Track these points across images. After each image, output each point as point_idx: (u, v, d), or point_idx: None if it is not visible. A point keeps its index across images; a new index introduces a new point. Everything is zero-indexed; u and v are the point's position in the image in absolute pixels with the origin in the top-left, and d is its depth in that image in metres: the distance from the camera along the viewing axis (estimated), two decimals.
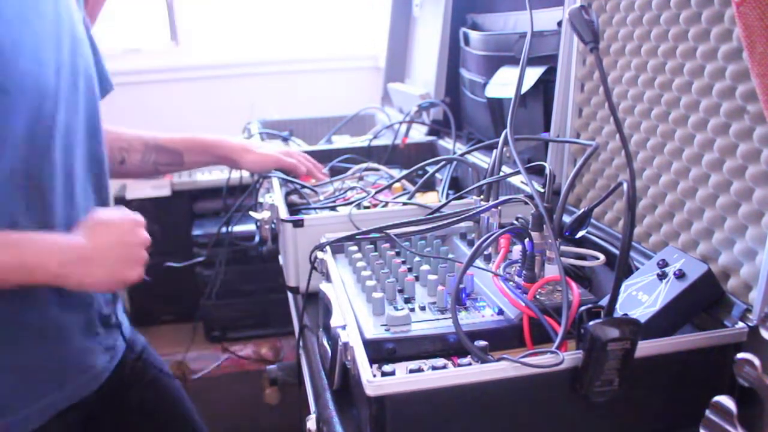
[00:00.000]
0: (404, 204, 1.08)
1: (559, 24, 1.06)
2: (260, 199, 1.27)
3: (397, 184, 1.23)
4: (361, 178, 1.33)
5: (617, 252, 0.85)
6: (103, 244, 0.86)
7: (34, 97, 0.83)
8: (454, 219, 0.87)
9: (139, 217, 0.92)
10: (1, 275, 0.79)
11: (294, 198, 1.22)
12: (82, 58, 0.94)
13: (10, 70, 0.79)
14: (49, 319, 0.90)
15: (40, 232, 0.85)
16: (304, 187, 1.23)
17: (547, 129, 1.10)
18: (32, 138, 0.83)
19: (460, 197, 1.04)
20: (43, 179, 0.86)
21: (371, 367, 0.62)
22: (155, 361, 1.18)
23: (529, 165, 0.87)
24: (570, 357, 0.62)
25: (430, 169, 1.22)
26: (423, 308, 0.77)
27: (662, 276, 0.73)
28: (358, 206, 1.09)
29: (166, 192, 2.02)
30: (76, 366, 0.95)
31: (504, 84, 1.25)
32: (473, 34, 1.46)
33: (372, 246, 0.93)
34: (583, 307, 0.65)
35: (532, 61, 1.13)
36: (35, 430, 0.90)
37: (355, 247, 0.94)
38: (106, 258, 0.86)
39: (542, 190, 0.80)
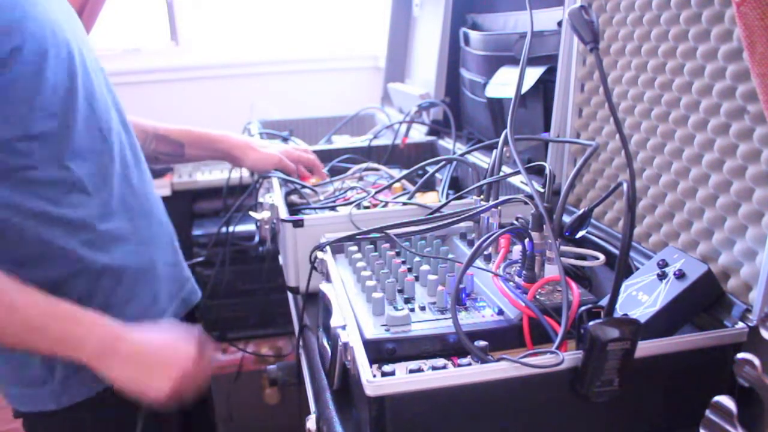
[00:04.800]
0: (404, 204, 1.08)
1: (559, 24, 1.06)
2: (260, 199, 1.27)
3: (397, 184, 1.23)
4: (361, 178, 1.33)
5: (617, 252, 0.85)
6: (146, 347, 0.87)
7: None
8: (454, 219, 0.87)
9: (198, 346, 0.91)
10: (32, 340, 0.81)
11: (294, 198, 1.22)
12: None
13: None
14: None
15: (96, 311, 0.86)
16: (304, 187, 1.23)
17: (547, 129, 1.10)
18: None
19: (460, 197, 1.04)
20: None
21: (371, 367, 0.62)
22: None
23: (529, 165, 0.87)
24: (570, 357, 0.62)
25: (430, 169, 1.22)
26: (423, 308, 0.77)
27: (662, 276, 0.73)
28: (358, 206, 1.09)
29: (166, 192, 2.02)
30: (179, 272, 1.11)
31: (504, 84, 1.25)
32: (473, 34, 1.46)
33: (372, 246, 0.93)
34: (583, 307, 0.65)
35: (532, 61, 1.13)
36: None
37: (355, 247, 0.94)
38: (140, 362, 0.85)
39: (542, 190, 0.80)
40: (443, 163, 1.21)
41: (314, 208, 1.14)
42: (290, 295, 1.11)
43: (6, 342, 0.82)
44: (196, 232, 2.03)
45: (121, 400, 0.88)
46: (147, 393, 0.85)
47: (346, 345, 0.67)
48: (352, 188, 1.23)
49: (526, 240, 0.77)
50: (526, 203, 0.80)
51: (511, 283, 0.76)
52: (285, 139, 1.70)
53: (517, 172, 0.87)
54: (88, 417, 0.95)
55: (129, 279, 0.96)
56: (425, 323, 0.73)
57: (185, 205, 2.10)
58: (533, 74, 1.12)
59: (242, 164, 1.34)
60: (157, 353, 0.87)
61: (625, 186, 0.63)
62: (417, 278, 0.84)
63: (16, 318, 0.79)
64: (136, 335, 0.87)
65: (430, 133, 1.65)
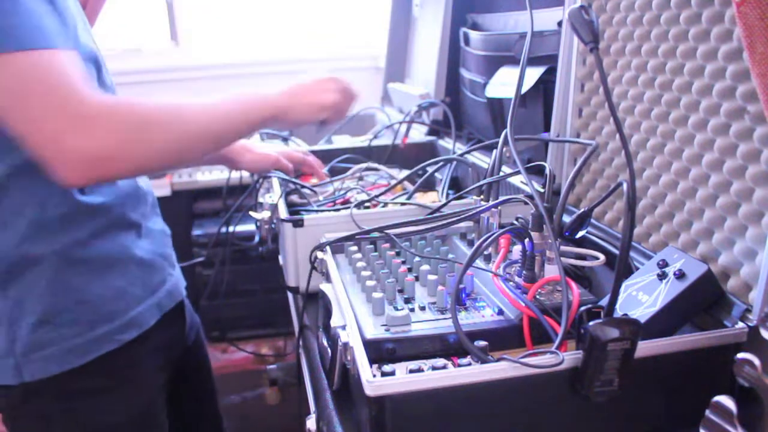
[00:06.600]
0: (404, 204, 1.08)
1: (559, 24, 1.06)
2: (260, 199, 1.27)
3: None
4: (361, 178, 1.33)
5: (617, 252, 0.85)
6: (299, 86, 1.06)
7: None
8: (454, 219, 0.87)
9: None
10: (238, 117, 0.96)
11: (294, 198, 1.22)
12: None
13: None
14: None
15: None
16: (304, 187, 1.23)
17: (547, 129, 1.10)
18: None
19: (460, 197, 1.04)
20: None
21: (371, 367, 0.62)
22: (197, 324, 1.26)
23: (529, 165, 0.87)
24: (570, 357, 0.62)
25: (430, 170, 1.22)
26: (423, 308, 0.77)
27: (662, 276, 0.73)
28: (359, 206, 1.09)
29: (166, 192, 2.02)
30: (167, 266, 1.07)
31: (504, 84, 1.25)
32: (473, 34, 1.46)
33: (372, 246, 0.93)
34: (583, 307, 0.65)
35: (532, 61, 1.13)
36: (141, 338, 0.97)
37: (355, 247, 0.94)
38: (306, 91, 1.05)
39: (542, 190, 0.80)
40: (442, 163, 1.21)
41: (315, 210, 1.14)
42: (290, 295, 1.11)
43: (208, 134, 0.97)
44: (196, 232, 2.03)
45: (89, 381, 0.89)
46: (327, 103, 1.05)
47: (346, 345, 0.67)
48: (352, 189, 1.23)
49: (526, 240, 0.77)
50: (526, 203, 0.80)
51: (511, 283, 0.76)
52: (285, 140, 1.70)
53: (517, 172, 0.87)
54: (50, 396, 0.93)
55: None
56: (425, 323, 0.73)
57: (185, 205, 2.10)
58: (533, 74, 1.12)
59: (239, 166, 1.34)
60: (317, 83, 1.07)
61: (625, 186, 0.63)
62: (417, 278, 0.84)
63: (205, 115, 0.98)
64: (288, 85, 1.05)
65: (430, 133, 1.65)
